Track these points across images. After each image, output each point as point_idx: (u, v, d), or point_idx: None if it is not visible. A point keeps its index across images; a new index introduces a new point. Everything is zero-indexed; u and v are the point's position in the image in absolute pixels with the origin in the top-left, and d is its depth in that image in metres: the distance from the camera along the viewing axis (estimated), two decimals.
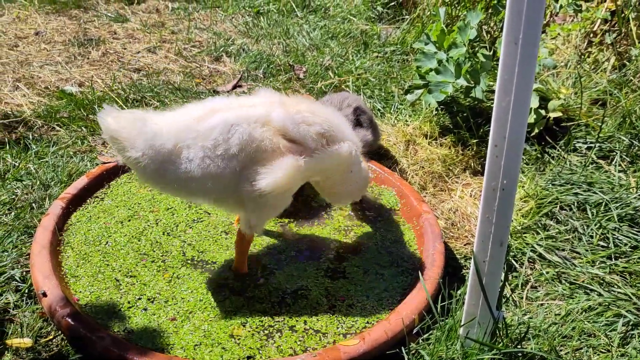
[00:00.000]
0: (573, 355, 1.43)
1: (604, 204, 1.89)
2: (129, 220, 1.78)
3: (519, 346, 1.35)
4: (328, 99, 2.22)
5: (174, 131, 1.36)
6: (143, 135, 1.32)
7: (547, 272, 1.71)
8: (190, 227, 1.77)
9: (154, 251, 1.66)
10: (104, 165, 1.97)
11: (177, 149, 1.35)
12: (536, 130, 2.29)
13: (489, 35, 2.92)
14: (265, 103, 1.46)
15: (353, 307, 1.52)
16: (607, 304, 1.57)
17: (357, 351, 1.33)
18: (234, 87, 2.98)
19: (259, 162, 1.39)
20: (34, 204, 1.90)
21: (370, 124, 2.19)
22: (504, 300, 1.61)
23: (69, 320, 1.33)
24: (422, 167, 2.26)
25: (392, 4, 3.93)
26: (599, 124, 2.29)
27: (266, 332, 1.42)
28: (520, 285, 1.68)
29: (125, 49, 3.44)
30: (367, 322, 1.47)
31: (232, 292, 1.54)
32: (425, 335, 1.42)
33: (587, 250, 1.77)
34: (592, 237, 1.81)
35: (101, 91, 2.80)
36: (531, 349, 1.36)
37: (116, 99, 2.68)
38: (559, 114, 2.28)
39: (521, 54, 1.03)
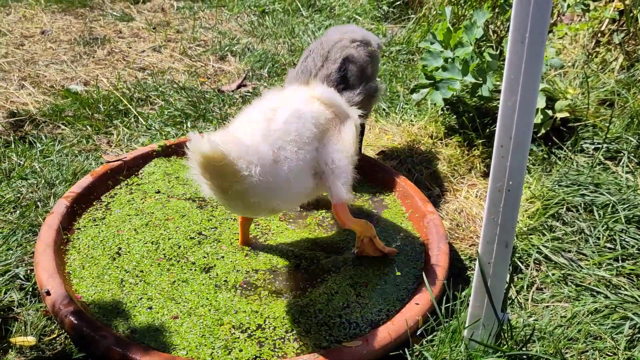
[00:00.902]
0: (579, 358, 1.42)
1: (611, 205, 1.87)
2: (133, 221, 1.78)
3: (524, 349, 1.34)
4: (315, 46, 2.00)
5: (261, 140, 1.33)
6: (250, 151, 1.27)
7: (553, 274, 1.69)
8: (201, 234, 1.77)
9: (159, 253, 1.66)
10: (108, 164, 1.97)
11: (274, 154, 1.34)
12: (543, 131, 2.27)
13: (495, 35, 2.90)
14: (296, 89, 1.57)
15: (351, 308, 1.51)
16: (613, 306, 1.56)
17: (360, 352, 1.32)
18: (239, 86, 2.98)
19: (326, 133, 1.49)
20: (38, 203, 1.90)
21: (360, 78, 1.95)
22: (509, 302, 1.59)
23: (73, 319, 1.33)
24: (427, 167, 2.24)
25: (398, 3, 3.91)
26: (607, 124, 2.27)
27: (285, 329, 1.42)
28: (525, 287, 1.67)
29: (130, 48, 3.44)
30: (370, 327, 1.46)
31: (244, 290, 1.53)
32: (429, 337, 1.41)
33: (593, 252, 1.75)
34: (598, 238, 1.79)
35: (106, 90, 2.80)
36: (536, 351, 1.35)
37: (121, 97, 2.68)
38: (566, 114, 2.27)
39: (528, 53, 1.02)
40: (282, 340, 1.39)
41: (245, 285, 1.56)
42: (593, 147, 2.25)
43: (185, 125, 2.51)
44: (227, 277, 1.58)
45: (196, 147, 1.16)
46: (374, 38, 2.09)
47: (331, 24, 3.81)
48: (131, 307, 1.46)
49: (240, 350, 1.35)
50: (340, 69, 1.91)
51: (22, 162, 2.13)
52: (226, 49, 3.43)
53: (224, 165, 1.19)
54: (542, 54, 1.02)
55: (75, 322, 1.33)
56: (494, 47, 2.78)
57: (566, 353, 1.43)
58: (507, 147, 1.09)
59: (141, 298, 1.49)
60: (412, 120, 2.55)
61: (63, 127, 2.46)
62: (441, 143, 2.38)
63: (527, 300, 1.63)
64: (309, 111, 1.46)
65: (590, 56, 2.82)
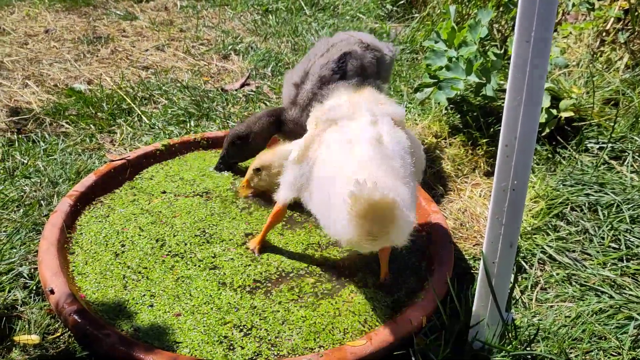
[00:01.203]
0: (583, 357, 1.41)
1: (615, 205, 1.86)
2: (136, 220, 1.78)
3: (528, 348, 1.33)
4: (321, 42, 2.04)
5: (395, 179, 1.29)
6: (408, 189, 1.28)
7: (558, 274, 1.69)
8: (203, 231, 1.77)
9: (164, 251, 1.66)
10: (112, 163, 1.97)
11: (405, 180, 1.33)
12: (547, 130, 2.27)
13: (499, 34, 2.89)
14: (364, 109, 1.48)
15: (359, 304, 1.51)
16: (618, 306, 1.55)
17: (363, 351, 1.32)
18: (242, 85, 2.97)
19: None
20: (42, 201, 1.90)
21: (359, 75, 1.92)
22: (513, 301, 1.59)
23: (76, 317, 1.33)
24: (431, 166, 2.24)
25: (402, 2, 3.91)
26: (612, 124, 2.26)
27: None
28: (529, 287, 1.66)
29: (134, 46, 3.45)
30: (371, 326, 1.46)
31: (252, 290, 1.53)
32: (433, 337, 1.41)
33: (598, 252, 1.75)
34: (603, 238, 1.79)
35: (110, 89, 2.80)
36: (541, 351, 1.35)
37: (125, 96, 2.69)
38: (571, 113, 2.26)
39: (533, 52, 1.01)
40: (287, 339, 1.39)
41: (252, 285, 1.56)
42: (598, 146, 2.24)
43: (188, 124, 2.51)
44: (232, 277, 1.58)
45: (363, 194, 1.09)
46: (387, 46, 2.08)
47: (334, 23, 3.81)
48: (135, 305, 1.46)
49: (242, 348, 1.35)
50: (340, 59, 1.90)
51: (25, 161, 2.13)
52: (229, 47, 3.43)
53: (389, 211, 1.13)
54: (547, 53, 1.02)
55: (79, 320, 1.33)
56: (499, 46, 2.77)
57: (570, 353, 1.42)
58: (512, 147, 1.09)
59: (144, 295, 1.49)
60: (415, 120, 2.55)
61: (67, 125, 2.46)
62: (445, 142, 2.38)
63: (531, 300, 1.63)
64: (404, 140, 1.42)
65: (594, 55, 2.81)
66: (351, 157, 1.32)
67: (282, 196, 1.59)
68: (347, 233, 1.21)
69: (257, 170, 1.89)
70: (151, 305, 1.46)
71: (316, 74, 1.91)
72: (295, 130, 1.97)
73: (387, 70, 2.08)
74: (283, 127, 2.03)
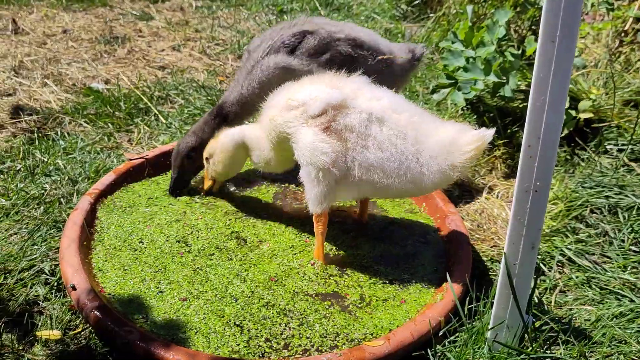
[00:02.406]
0: None
1: (636, 207, 1.84)
2: (155, 217, 1.80)
3: (548, 351, 1.32)
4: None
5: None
6: None
7: (577, 277, 1.67)
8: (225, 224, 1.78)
9: (183, 246, 1.67)
10: (130, 162, 1.99)
11: None
12: (566, 132, 2.25)
13: (516, 34, 2.88)
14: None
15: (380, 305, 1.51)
16: (638, 310, 1.53)
17: (382, 352, 1.32)
18: None
19: None
20: (62, 199, 1.92)
21: (314, 54, 1.85)
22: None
23: (98, 313, 1.34)
24: None
25: (417, 2, 3.90)
26: (632, 125, 2.24)
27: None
28: (548, 290, 1.65)
29: (150, 46, 3.47)
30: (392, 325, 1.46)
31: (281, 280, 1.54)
32: (452, 338, 1.41)
33: (618, 255, 1.73)
34: (623, 241, 1.77)
35: (127, 88, 2.83)
36: (560, 354, 1.34)
37: (142, 96, 2.71)
38: (590, 114, 2.24)
39: (558, 52, 1.01)
40: (306, 337, 1.40)
41: (271, 280, 1.56)
42: (617, 148, 2.22)
43: None
44: (254, 271, 1.58)
45: (484, 139, 1.40)
46: (406, 48, 2.00)
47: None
48: (154, 301, 1.47)
49: (259, 346, 1.36)
50: (295, 35, 1.85)
51: (45, 159, 2.15)
52: (244, 48, 3.44)
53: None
54: (572, 53, 1.01)
55: (100, 317, 1.34)
56: (516, 46, 2.75)
57: (590, 356, 1.41)
58: (535, 148, 1.08)
59: (163, 291, 1.50)
60: None
61: (85, 124, 2.49)
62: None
63: (550, 302, 1.62)
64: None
65: (613, 56, 2.79)
66: (421, 122, 1.50)
67: (320, 209, 1.59)
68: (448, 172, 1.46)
69: (206, 160, 1.85)
70: (184, 304, 1.47)
71: (267, 43, 1.87)
72: (243, 113, 1.94)
73: (399, 73, 2.00)
74: (228, 118, 1.95)
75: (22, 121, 2.46)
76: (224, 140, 1.79)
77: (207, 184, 1.92)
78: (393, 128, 1.49)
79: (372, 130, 1.49)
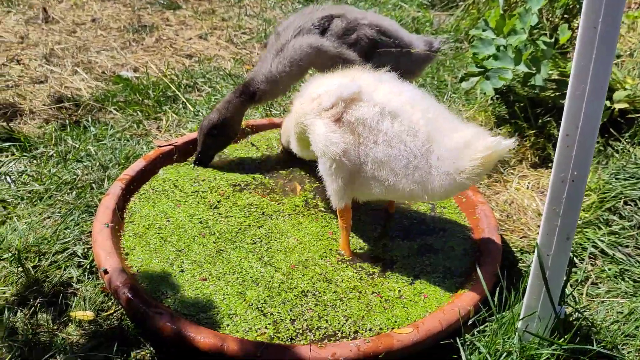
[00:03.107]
0: (637, 354, 1.38)
1: None
2: (186, 202, 1.82)
3: (580, 343, 1.31)
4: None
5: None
6: None
7: (610, 269, 1.65)
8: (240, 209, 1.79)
9: (211, 231, 1.69)
10: (160, 148, 2.01)
11: None
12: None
13: (549, 22, 2.82)
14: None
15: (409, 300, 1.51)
16: None
17: (410, 339, 1.32)
18: None
19: None
20: (93, 184, 1.96)
21: (342, 37, 1.88)
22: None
23: (130, 296, 1.37)
24: None
25: None
26: None
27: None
28: (580, 282, 1.63)
29: (177, 35, 3.49)
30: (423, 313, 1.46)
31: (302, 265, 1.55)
32: (481, 327, 1.40)
33: None
34: None
35: (155, 76, 2.85)
36: (593, 346, 1.32)
37: (170, 84, 2.73)
38: (625, 105, 2.19)
39: (600, 39, 0.98)
40: (332, 322, 1.40)
41: (292, 268, 1.57)
42: None
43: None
44: (281, 257, 1.59)
45: (501, 147, 1.32)
46: (424, 40, 2.02)
47: (376, 12, 3.78)
48: (184, 283, 1.49)
49: (288, 329, 1.37)
50: (324, 17, 1.88)
51: (77, 146, 2.19)
52: (271, 30, 3.44)
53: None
54: (615, 41, 0.99)
55: (132, 299, 1.36)
56: (548, 34, 2.69)
57: (623, 349, 1.39)
58: (574, 137, 1.06)
59: (194, 275, 1.52)
60: (460, 110, 2.51)
61: (114, 112, 2.52)
62: (491, 133, 2.33)
63: (582, 294, 1.59)
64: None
65: None
66: (436, 119, 1.43)
67: (342, 204, 1.58)
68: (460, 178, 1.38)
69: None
70: (201, 284, 1.49)
71: (297, 23, 1.88)
72: (270, 92, 1.95)
73: (415, 63, 2.00)
74: (255, 96, 1.96)
75: (53, 108, 2.51)
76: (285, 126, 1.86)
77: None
78: (405, 124, 1.43)
79: (384, 125, 1.44)
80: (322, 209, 1.84)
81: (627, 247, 1.71)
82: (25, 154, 2.13)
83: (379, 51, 1.91)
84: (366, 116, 1.46)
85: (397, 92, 1.48)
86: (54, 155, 2.13)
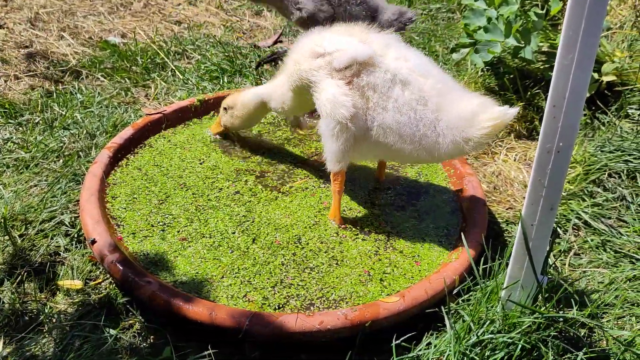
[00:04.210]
0: (615, 323, 1.42)
1: None
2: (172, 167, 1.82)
3: (561, 311, 1.34)
4: None
5: None
6: None
7: (592, 240, 1.67)
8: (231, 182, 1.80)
9: (202, 199, 1.69)
10: (148, 116, 1.99)
11: None
12: (587, 94, 2.20)
13: None
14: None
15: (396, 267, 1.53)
16: None
17: (396, 308, 1.34)
18: (275, 42, 2.95)
19: None
20: (80, 153, 1.94)
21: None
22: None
23: (118, 265, 1.37)
24: None
25: None
26: None
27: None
28: (563, 252, 1.66)
29: (166, 0, 3.42)
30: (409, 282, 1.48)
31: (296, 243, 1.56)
32: (466, 297, 1.42)
33: (635, 219, 1.72)
34: None
35: (143, 43, 2.80)
36: (573, 314, 1.35)
37: (158, 51, 2.69)
38: (613, 77, 2.19)
39: (589, 8, 0.98)
40: (305, 289, 1.42)
41: (277, 243, 1.58)
42: (639, 112, 2.18)
43: (221, 80, 2.51)
44: (265, 233, 1.60)
45: (507, 116, 1.38)
46: (393, 9, 2.09)
47: None
48: (172, 253, 1.50)
49: (284, 303, 1.39)
50: None
51: (63, 113, 2.16)
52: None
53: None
54: (604, 10, 0.98)
55: (121, 268, 1.37)
56: (540, 5, 2.67)
57: (602, 318, 1.43)
58: (560, 107, 1.06)
59: (182, 246, 1.53)
60: None
61: (102, 79, 2.48)
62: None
63: (564, 264, 1.62)
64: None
65: (639, 17, 2.70)
66: (445, 90, 1.46)
67: (338, 167, 1.59)
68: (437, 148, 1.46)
69: (225, 110, 1.94)
70: (190, 256, 1.50)
71: None
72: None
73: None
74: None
75: (39, 73, 2.46)
76: (246, 97, 1.86)
77: (217, 129, 2.00)
78: (415, 93, 1.45)
79: (395, 92, 1.46)
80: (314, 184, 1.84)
81: (609, 218, 1.74)
82: (10, 120, 2.10)
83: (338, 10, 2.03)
84: (378, 82, 1.47)
85: (404, 58, 1.50)
86: (40, 122, 2.10)
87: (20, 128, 2.08)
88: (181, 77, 2.52)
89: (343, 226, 1.64)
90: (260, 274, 1.47)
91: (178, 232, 1.58)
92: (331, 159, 1.58)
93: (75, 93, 2.32)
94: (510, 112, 1.38)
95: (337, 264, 1.52)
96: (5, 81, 2.40)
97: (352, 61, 1.48)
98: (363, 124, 1.50)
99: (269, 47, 2.89)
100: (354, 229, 1.64)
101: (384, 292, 1.44)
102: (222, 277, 1.45)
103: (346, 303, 1.40)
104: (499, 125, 1.39)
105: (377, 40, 1.53)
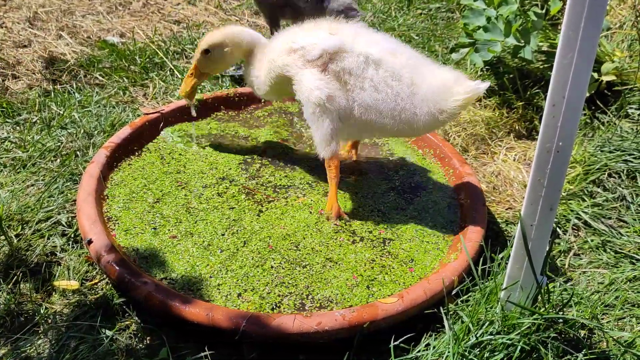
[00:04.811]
0: (615, 324, 1.41)
1: None
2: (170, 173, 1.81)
3: (560, 312, 1.33)
4: None
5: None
6: None
7: (592, 240, 1.67)
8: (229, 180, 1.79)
9: (197, 202, 1.68)
10: (146, 116, 1.98)
11: None
12: (587, 94, 2.20)
13: None
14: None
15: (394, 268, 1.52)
16: None
17: (395, 309, 1.33)
18: None
19: None
20: (78, 152, 1.93)
21: None
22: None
23: (115, 265, 1.36)
24: (465, 128, 2.20)
25: None
26: None
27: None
28: (562, 252, 1.65)
29: (165, 0, 3.41)
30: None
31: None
32: (465, 297, 1.41)
33: (635, 220, 1.72)
34: None
35: (142, 42, 2.80)
36: (573, 315, 1.34)
37: (157, 50, 2.68)
38: (613, 77, 2.18)
39: (589, 7, 0.97)
40: (318, 292, 1.41)
41: (274, 243, 1.57)
42: (639, 112, 2.17)
43: (220, 80, 2.50)
44: (259, 232, 1.59)
45: (479, 90, 1.48)
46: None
47: None
48: (168, 253, 1.49)
49: (279, 302, 1.38)
50: None
51: (61, 112, 2.15)
52: None
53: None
54: (603, 10, 0.97)
55: (117, 268, 1.36)
56: (539, 5, 2.66)
57: (602, 319, 1.42)
58: (560, 106, 1.06)
59: (177, 245, 1.52)
60: None
61: (100, 78, 2.47)
62: (479, 104, 2.33)
63: (564, 265, 1.61)
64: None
65: (638, 17, 2.69)
66: (418, 64, 1.56)
67: (329, 151, 1.63)
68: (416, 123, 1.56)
69: (207, 52, 1.76)
70: (186, 256, 1.49)
71: None
72: None
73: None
74: None
75: (37, 73, 2.45)
76: (242, 34, 1.77)
77: (188, 87, 1.83)
78: (389, 70, 1.55)
79: (369, 72, 1.56)
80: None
81: (609, 218, 1.73)
82: (7, 120, 2.10)
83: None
84: (352, 65, 1.56)
85: (375, 42, 1.60)
86: (38, 121, 2.09)
87: (18, 127, 2.07)
88: (180, 76, 2.51)
89: (339, 219, 1.64)
90: (258, 274, 1.46)
91: (169, 230, 1.57)
92: (320, 143, 1.63)
93: (73, 92, 2.31)
94: (481, 87, 1.49)
95: (324, 262, 1.51)
96: (3, 80, 2.39)
97: (322, 52, 1.58)
98: (345, 104, 1.58)
99: None
100: (349, 226, 1.63)
101: (384, 292, 1.43)
102: (210, 276, 1.44)
103: (345, 302, 1.39)
104: (471, 99, 1.50)
105: (346, 31, 1.63)
